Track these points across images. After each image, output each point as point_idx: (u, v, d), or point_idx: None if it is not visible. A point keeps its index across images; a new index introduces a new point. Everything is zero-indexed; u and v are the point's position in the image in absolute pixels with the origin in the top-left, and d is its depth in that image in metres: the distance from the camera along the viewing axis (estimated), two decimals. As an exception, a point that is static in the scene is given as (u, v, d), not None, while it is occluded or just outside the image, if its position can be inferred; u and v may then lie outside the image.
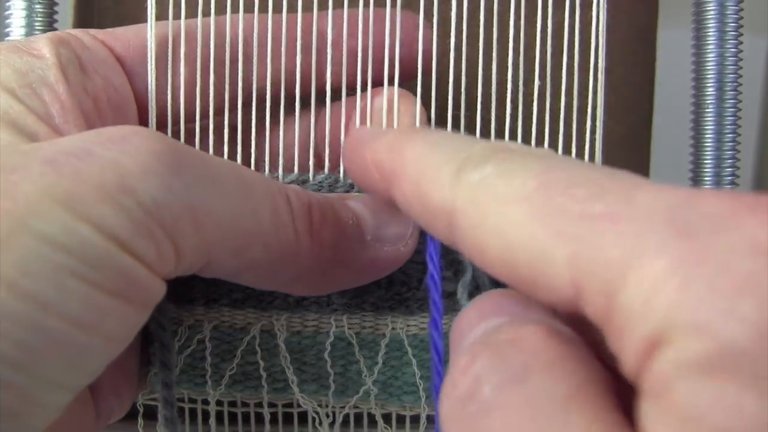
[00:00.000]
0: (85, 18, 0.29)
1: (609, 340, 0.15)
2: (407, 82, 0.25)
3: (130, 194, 0.18)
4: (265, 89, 0.26)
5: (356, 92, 0.26)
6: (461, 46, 0.26)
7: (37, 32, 0.27)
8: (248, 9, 0.25)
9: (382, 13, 0.25)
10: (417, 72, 0.25)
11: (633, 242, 0.14)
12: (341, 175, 0.26)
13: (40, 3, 0.27)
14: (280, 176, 0.26)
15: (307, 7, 0.25)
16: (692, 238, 0.13)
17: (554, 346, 0.15)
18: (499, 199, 0.16)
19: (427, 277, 0.22)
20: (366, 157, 0.22)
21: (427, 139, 0.20)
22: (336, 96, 0.26)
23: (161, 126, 0.25)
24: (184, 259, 0.20)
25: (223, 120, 0.26)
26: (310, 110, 0.26)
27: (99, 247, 0.18)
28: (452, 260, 0.25)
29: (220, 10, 0.25)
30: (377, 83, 0.26)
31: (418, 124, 0.25)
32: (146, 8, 0.25)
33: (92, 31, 0.25)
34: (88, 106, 0.23)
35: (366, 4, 0.25)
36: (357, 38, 0.25)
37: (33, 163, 0.18)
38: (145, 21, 0.25)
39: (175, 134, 0.25)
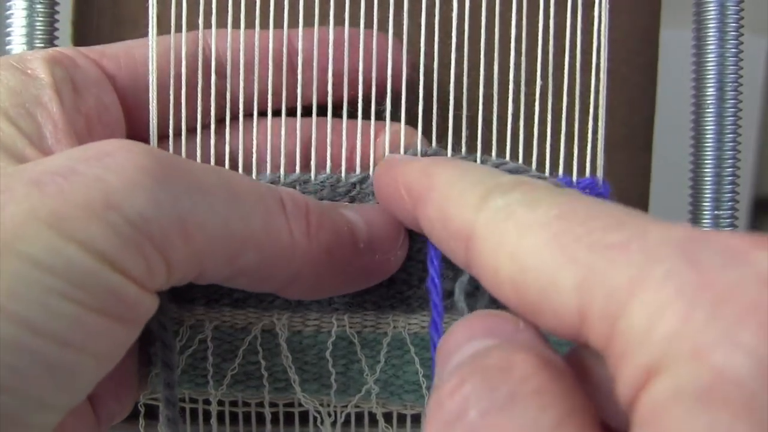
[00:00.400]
0: (84, 19, 0.29)
1: (609, 368, 0.14)
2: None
3: (116, 210, 0.18)
4: (266, 96, 0.26)
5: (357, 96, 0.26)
6: (463, 46, 0.26)
7: (38, 32, 0.27)
8: (249, 10, 0.25)
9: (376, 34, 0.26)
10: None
11: (640, 270, 0.14)
12: (342, 175, 0.26)
13: (40, 3, 0.27)
14: (282, 176, 0.26)
15: (294, 24, 0.26)
16: (699, 268, 0.13)
17: (543, 375, 0.15)
18: (519, 224, 0.17)
19: (428, 279, 0.22)
20: (397, 179, 0.22)
21: (457, 166, 0.21)
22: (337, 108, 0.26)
23: (162, 126, 0.25)
24: (175, 271, 0.20)
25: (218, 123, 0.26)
26: (310, 112, 0.26)
27: (87, 266, 0.18)
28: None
29: (221, 11, 0.25)
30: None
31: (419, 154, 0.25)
32: (146, 8, 0.25)
33: (83, 49, 0.25)
34: (80, 126, 0.23)
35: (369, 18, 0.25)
36: (358, 53, 0.26)
37: (18, 184, 0.18)
38: (145, 21, 0.25)
39: (177, 138, 0.25)
